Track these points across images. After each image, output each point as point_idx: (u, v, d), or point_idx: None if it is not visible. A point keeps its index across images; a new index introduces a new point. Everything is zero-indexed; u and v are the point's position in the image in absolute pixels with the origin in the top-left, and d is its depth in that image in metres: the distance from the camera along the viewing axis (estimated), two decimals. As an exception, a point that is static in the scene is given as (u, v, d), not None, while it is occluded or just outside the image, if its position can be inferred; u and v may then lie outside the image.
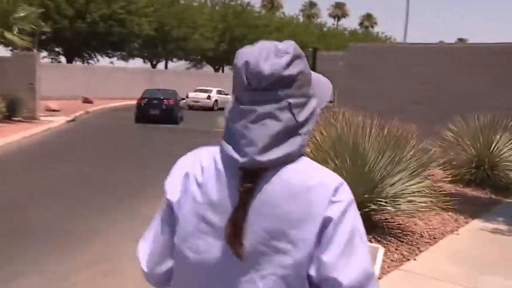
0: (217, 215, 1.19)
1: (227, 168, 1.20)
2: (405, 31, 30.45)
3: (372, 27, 71.88)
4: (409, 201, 5.48)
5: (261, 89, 1.17)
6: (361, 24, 72.09)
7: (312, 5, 66.18)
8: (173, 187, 1.26)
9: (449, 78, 11.10)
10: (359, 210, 1.21)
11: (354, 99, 12.36)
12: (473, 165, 8.43)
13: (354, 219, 1.17)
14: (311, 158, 1.25)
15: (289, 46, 1.20)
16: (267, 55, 1.17)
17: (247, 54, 1.19)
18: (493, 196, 7.91)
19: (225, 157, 1.20)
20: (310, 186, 1.16)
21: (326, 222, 1.14)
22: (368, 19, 72.78)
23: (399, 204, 5.42)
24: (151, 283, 1.34)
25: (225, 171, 1.20)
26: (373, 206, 5.28)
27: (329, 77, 1.39)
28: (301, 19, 59.34)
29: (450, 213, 6.33)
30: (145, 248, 1.30)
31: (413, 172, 5.63)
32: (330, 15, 72.59)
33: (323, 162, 5.30)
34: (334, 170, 1.24)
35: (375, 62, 11.95)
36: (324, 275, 1.13)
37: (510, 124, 8.65)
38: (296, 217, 1.14)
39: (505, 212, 6.95)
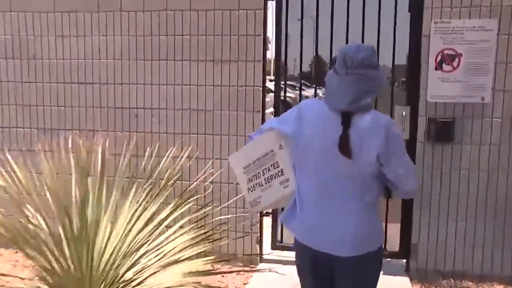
0: (328, 139, 2.24)
1: (331, 112, 2.25)
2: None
3: None
4: None
5: (352, 68, 2.20)
6: None
7: None
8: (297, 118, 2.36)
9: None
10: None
11: None
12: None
13: (398, 132, 2.30)
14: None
15: (370, 46, 2.27)
16: (358, 50, 2.21)
17: (346, 48, 2.24)
18: None
19: (329, 106, 2.27)
20: (378, 120, 2.24)
21: (386, 134, 2.20)
22: None
23: None
24: None
25: (330, 114, 2.26)
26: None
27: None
28: None
29: None
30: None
31: None
32: None
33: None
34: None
35: None
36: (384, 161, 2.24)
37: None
38: (372, 131, 2.20)
39: None
